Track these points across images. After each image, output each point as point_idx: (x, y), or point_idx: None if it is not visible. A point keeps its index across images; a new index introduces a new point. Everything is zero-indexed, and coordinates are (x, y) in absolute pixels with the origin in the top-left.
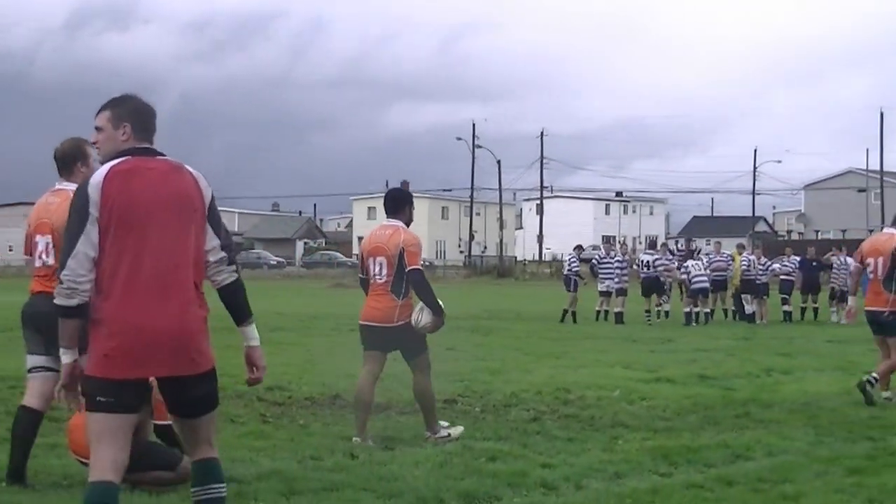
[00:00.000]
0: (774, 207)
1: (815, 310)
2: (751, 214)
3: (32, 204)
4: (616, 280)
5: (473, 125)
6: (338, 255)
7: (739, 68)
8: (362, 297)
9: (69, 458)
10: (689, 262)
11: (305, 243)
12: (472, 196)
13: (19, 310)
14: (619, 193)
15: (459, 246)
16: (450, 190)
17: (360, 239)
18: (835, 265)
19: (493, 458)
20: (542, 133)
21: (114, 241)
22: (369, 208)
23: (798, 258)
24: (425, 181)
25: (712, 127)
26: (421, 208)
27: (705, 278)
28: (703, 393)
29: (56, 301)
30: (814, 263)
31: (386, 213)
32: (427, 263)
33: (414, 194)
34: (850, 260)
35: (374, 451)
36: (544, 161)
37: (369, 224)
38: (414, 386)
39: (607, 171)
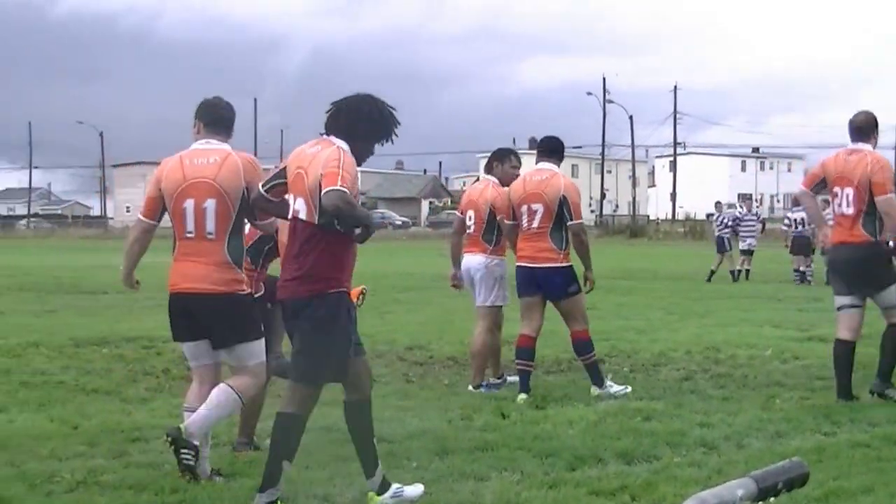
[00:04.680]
0: None
1: None
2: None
3: (153, 164)
4: (755, 238)
5: (604, 79)
6: None
7: (888, 18)
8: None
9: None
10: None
11: (431, 202)
12: (602, 153)
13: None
14: (755, 149)
15: (590, 205)
16: (580, 147)
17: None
18: None
19: (648, 417)
20: (675, 87)
21: None
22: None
23: None
24: None
25: (856, 79)
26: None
27: None
28: (860, 352)
29: None
30: None
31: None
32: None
33: None
34: None
35: (524, 411)
36: (678, 116)
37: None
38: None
39: (744, 126)
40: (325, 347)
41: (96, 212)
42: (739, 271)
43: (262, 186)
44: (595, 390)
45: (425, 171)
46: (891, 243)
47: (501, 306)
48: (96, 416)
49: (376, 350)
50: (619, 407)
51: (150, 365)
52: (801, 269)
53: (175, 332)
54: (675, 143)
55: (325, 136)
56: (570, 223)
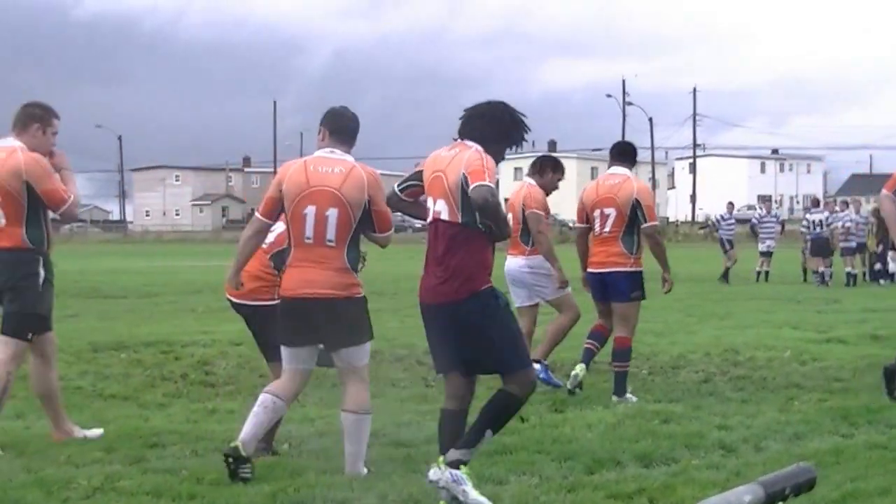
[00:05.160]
0: None
1: None
2: None
3: (173, 168)
4: (775, 240)
5: (623, 81)
6: None
7: None
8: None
9: (231, 423)
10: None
11: None
12: None
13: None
14: (774, 151)
15: None
16: (600, 149)
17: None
18: None
19: (667, 419)
20: (694, 89)
21: None
22: (515, 169)
23: None
24: (575, 140)
25: (875, 80)
26: (570, 168)
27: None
28: (878, 353)
29: None
30: None
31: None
32: (573, 224)
33: (562, 154)
34: None
35: (544, 414)
36: (698, 118)
37: (515, 185)
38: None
39: (764, 127)
40: (510, 329)
41: (115, 216)
42: (759, 273)
43: (397, 186)
44: (615, 399)
45: None
46: None
47: (538, 304)
48: (114, 421)
49: (395, 354)
50: (637, 409)
51: (169, 370)
52: (821, 269)
53: (284, 335)
54: (695, 145)
55: (459, 141)
56: (644, 226)
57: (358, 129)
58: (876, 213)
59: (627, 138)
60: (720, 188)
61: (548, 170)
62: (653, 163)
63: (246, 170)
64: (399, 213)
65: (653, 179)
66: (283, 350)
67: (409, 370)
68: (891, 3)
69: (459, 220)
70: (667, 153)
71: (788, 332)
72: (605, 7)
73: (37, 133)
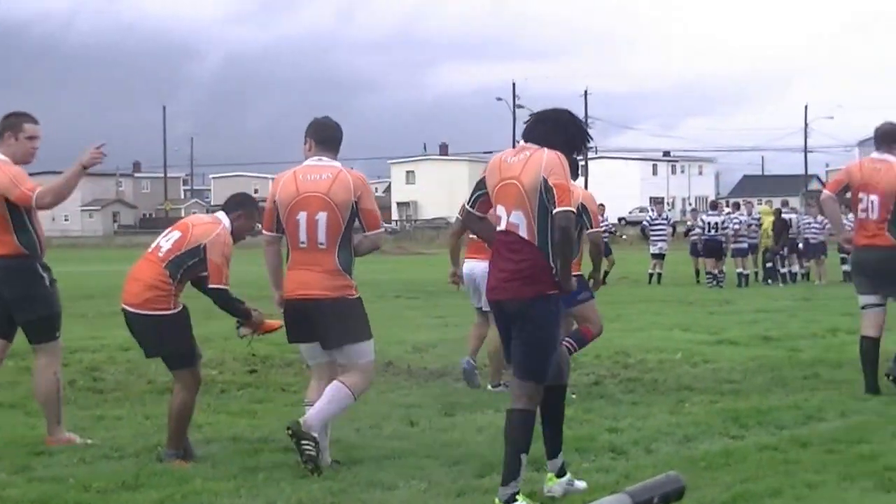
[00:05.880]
0: (827, 165)
1: None
2: (803, 172)
3: (60, 173)
4: (667, 242)
5: (514, 84)
6: None
7: (792, 23)
8: (406, 264)
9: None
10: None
11: None
12: None
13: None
14: (666, 153)
15: None
16: (490, 152)
17: (399, 204)
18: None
19: None
20: (585, 91)
21: None
22: (407, 172)
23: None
24: (466, 143)
25: (765, 83)
26: (460, 171)
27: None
28: (769, 354)
29: None
30: None
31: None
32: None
33: (453, 157)
34: None
35: (434, 418)
36: (589, 120)
37: (407, 188)
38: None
39: (656, 130)
40: (551, 344)
41: None
42: (651, 275)
43: (468, 203)
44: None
45: None
46: None
47: None
48: (0, 429)
49: (285, 359)
50: None
51: None
52: (714, 271)
53: (291, 334)
54: (587, 148)
55: (526, 144)
56: (588, 232)
57: (341, 137)
58: (777, 213)
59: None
60: (612, 190)
61: None
62: None
63: (136, 175)
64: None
65: None
66: (300, 349)
67: (300, 374)
68: (781, 10)
69: (536, 243)
70: None
71: (680, 333)
72: (497, 10)
73: (10, 140)
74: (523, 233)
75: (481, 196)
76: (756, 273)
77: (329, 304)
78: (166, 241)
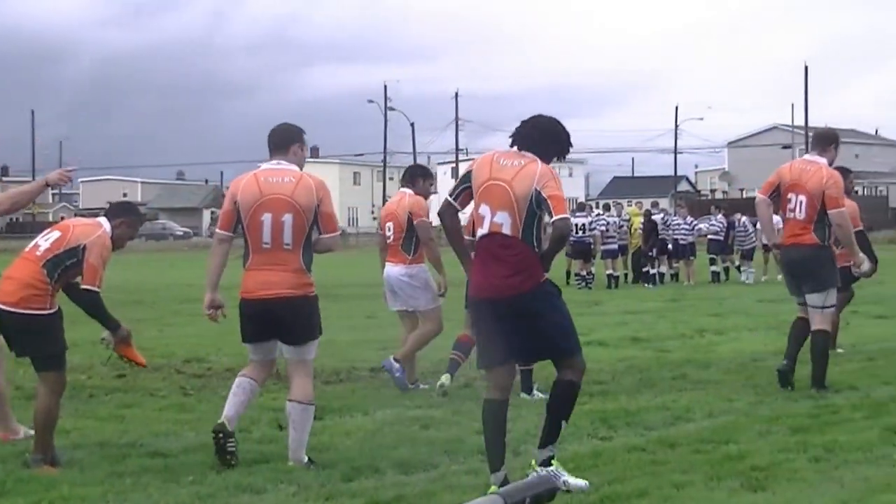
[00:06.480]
0: (697, 166)
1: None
2: (672, 174)
3: None
4: None
5: (385, 87)
6: None
7: (660, 25)
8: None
9: None
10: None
11: (213, 212)
12: (384, 160)
13: None
14: None
15: (372, 212)
16: (361, 155)
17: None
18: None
19: (427, 425)
20: (456, 93)
21: None
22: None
23: (725, 219)
24: (337, 146)
25: (636, 85)
26: (331, 174)
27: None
28: (637, 355)
29: None
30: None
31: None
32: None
33: (325, 160)
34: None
35: None
36: (460, 123)
37: (354, 190)
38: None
39: None
40: (568, 317)
41: None
42: None
43: (451, 196)
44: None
45: (206, 182)
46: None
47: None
48: None
49: (154, 364)
50: (396, 416)
51: None
52: (582, 273)
53: (246, 333)
54: (458, 150)
55: (519, 151)
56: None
57: (292, 137)
58: (647, 214)
59: (390, 143)
60: None
61: (419, 179)
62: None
63: (4, 179)
64: (158, 221)
65: None
66: (248, 345)
67: (168, 379)
68: (650, 14)
69: (520, 237)
70: (429, 158)
71: None
72: (369, 13)
73: None
74: (507, 231)
75: (466, 189)
76: (626, 275)
77: (295, 302)
78: (45, 240)
